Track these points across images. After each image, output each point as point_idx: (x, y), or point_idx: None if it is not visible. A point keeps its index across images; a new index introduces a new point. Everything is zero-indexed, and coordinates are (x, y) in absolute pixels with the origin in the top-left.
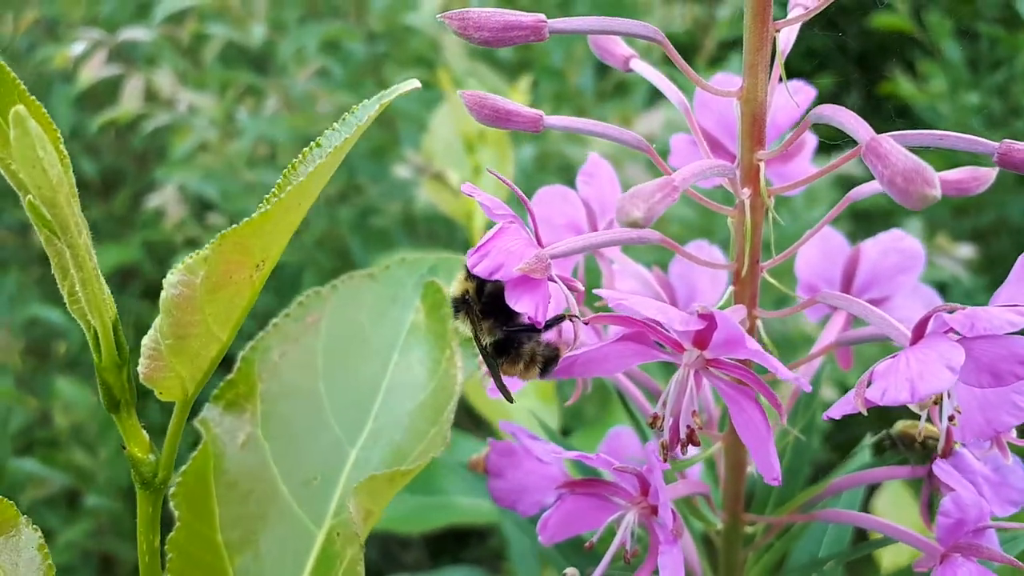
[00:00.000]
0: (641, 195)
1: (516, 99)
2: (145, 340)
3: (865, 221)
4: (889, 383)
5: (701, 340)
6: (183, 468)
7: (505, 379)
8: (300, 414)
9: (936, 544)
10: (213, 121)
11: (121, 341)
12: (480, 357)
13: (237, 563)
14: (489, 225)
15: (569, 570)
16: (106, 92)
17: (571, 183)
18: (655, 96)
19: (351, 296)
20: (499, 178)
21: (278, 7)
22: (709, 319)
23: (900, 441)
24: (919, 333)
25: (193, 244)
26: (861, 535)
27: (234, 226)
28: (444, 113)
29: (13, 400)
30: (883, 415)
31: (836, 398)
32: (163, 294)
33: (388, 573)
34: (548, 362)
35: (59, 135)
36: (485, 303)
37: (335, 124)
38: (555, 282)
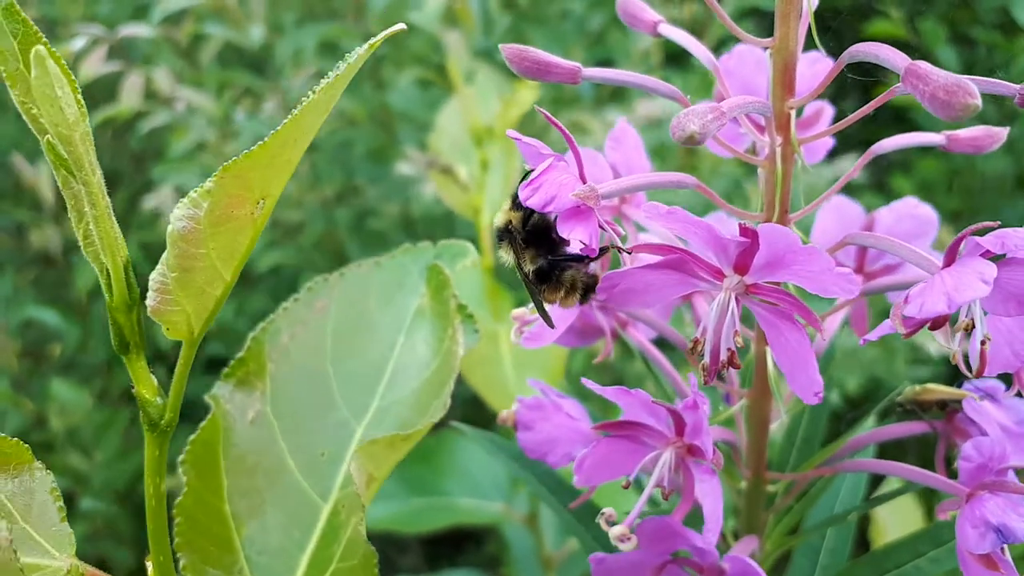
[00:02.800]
0: (696, 113)
1: (524, 95)
2: (153, 275)
3: None
4: (926, 298)
5: (742, 265)
6: (192, 437)
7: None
8: (309, 394)
9: (960, 486)
10: (211, 121)
11: (132, 281)
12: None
13: (244, 533)
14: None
15: (607, 510)
16: (103, 92)
17: None
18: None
19: (359, 282)
20: (548, 118)
21: (276, 9)
22: (752, 235)
23: (913, 405)
24: (950, 259)
25: None
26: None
27: (234, 159)
28: (451, 111)
29: (9, 402)
30: None
31: (839, 402)
32: (170, 227)
33: None
34: (587, 289)
35: (77, 84)
36: (528, 232)
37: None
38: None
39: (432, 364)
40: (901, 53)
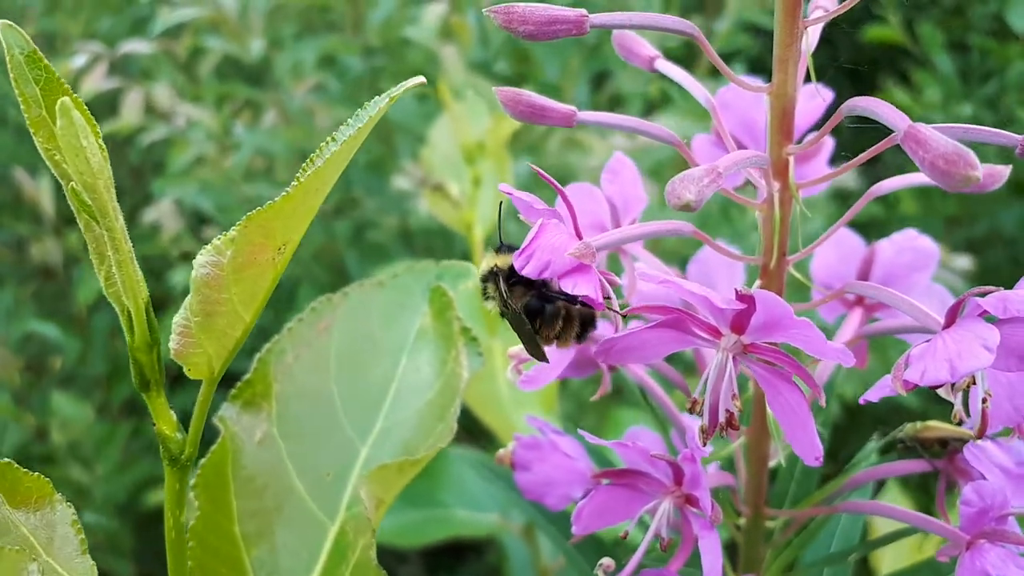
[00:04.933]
0: (691, 179)
1: None
2: (176, 318)
3: (861, 231)
4: (927, 364)
5: (739, 325)
6: (202, 461)
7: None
8: (313, 414)
9: (960, 532)
10: (210, 134)
11: (153, 322)
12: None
13: (253, 554)
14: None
15: (605, 560)
16: (102, 107)
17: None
18: (649, 110)
19: (361, 302)
20: (541, 174)
21: (274, 21)
22: (748, 300)
23: (915, 442)
24: (951, 319)
25: (189, 258)
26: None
27: (258, 209)
28: (443, 125)
29: (10, 416)
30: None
31: (838, 410)
32: (193, 273)
33: None
34: (585, 323)
35: (98, 130)
36: (514, 281)
37: (348, 121)
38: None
39: (435, 386)
40: (900, 113)
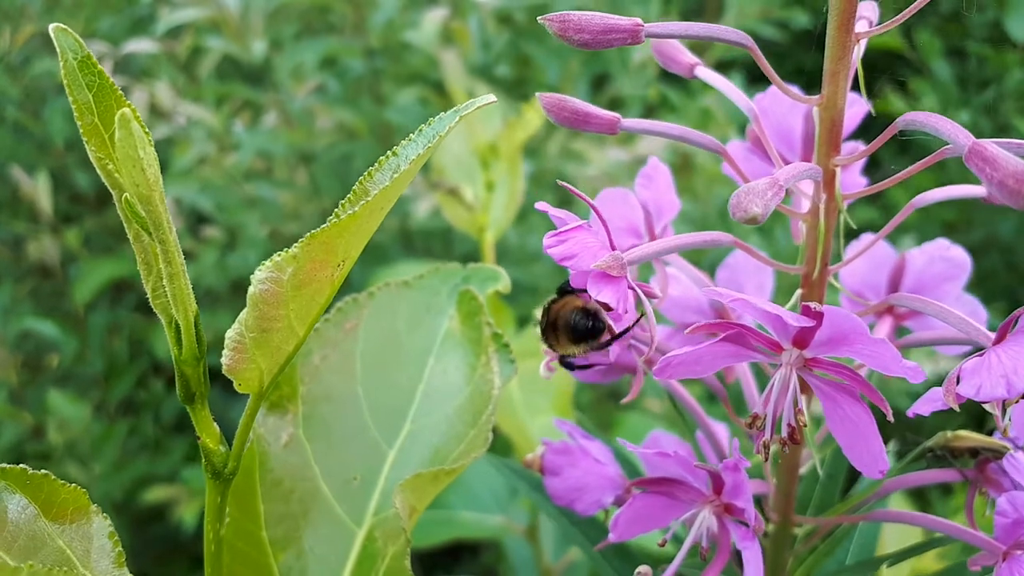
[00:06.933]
0: (756, 192)
1: (531, 117)
2: (229, 333)
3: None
4: (983, 379)
5: (801, 339)
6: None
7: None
8: (340, 416)
9: (996, 543)
10: (210, 134)
11: (201, 335)
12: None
13: (280, 560)
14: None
15: (642, 568)
16: None
17: (565, 198)
18: (649, 113)
19: (387, 303)
20: (575, 192)
21: (274, 22)
22: (817, 317)
23: (945, 451)
24: (1003, 334)
25: (187, 257)
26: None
27: (322, 227)
28: (456, 128)
29: (5, 415)
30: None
31: None
32: (251, 289)
33: None
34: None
35: (151, 139)
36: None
37: (411, 136)
38: (632, 288)
39: (465, 390)
40: (963, 129)
